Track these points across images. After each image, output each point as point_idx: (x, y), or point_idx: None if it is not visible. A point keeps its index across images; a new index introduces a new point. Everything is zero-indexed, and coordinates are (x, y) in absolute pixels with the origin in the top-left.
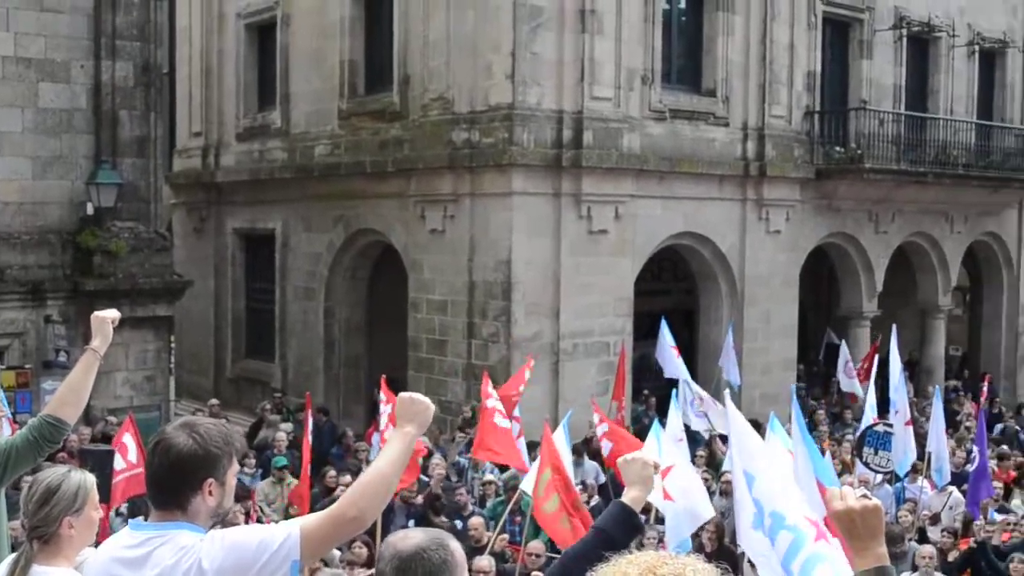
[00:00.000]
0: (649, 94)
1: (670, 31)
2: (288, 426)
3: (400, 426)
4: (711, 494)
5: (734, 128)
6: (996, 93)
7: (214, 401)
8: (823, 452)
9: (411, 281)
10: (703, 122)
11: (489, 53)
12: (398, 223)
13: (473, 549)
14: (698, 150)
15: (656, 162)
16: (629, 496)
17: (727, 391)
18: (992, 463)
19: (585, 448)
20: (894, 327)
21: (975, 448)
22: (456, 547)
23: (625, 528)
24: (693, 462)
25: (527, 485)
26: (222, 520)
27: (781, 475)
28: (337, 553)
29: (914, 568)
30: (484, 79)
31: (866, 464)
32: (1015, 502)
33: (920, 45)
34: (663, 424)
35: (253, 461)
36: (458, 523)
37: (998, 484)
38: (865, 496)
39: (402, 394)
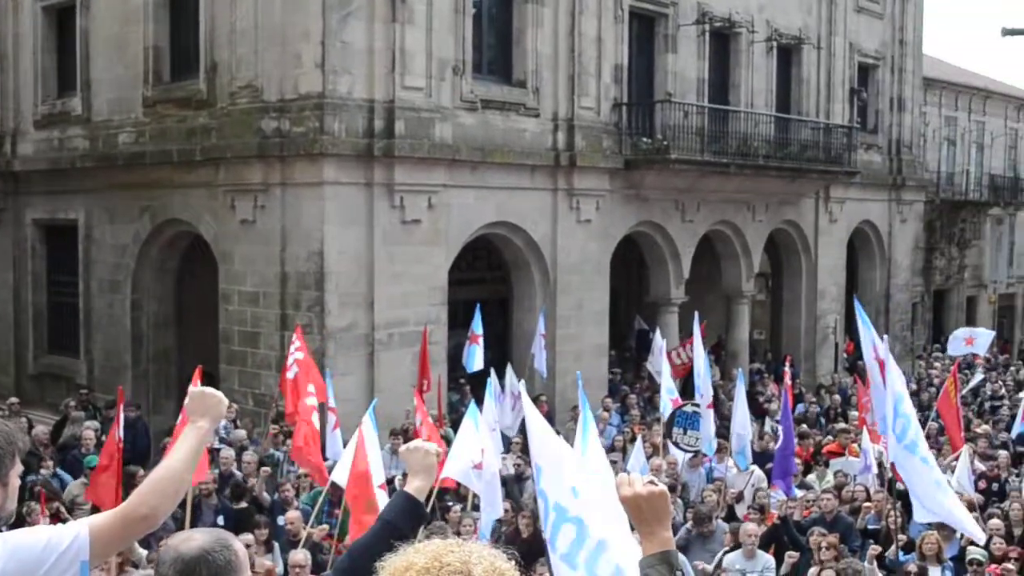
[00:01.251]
0: (460, 84)
1: (480, 22)
2: (95, 423)
3: (192, 421)
4: (526, 480)
5: (544, 119)
6: (793, 87)
7: (14, 399)
8: (634, 436)
9: (221, 272)
10: (514, 112)
11: (298, 41)
12: (207, 213)
13: (291, 543)
14: (509, 140)
15: (468, 152)
16: (413, 486)
17: (521, 383)
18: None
19: (403, 439)
20: (696, 314)
21: (780, 427)
22: (239, 547)
23: (410, 517)
24: (508, 449)
25: (339, 477)
26: (6, 523)
27: (568, 466)
28: (144, 552)
29: (737, 545)
30: (293, 67)
31: (676, 444)
32: (810, 477)
33: (722, 40)
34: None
35: (51, 462)
36: (281, 519)
37: (798, 461)
38: (652, 482)
39: (193, 388)
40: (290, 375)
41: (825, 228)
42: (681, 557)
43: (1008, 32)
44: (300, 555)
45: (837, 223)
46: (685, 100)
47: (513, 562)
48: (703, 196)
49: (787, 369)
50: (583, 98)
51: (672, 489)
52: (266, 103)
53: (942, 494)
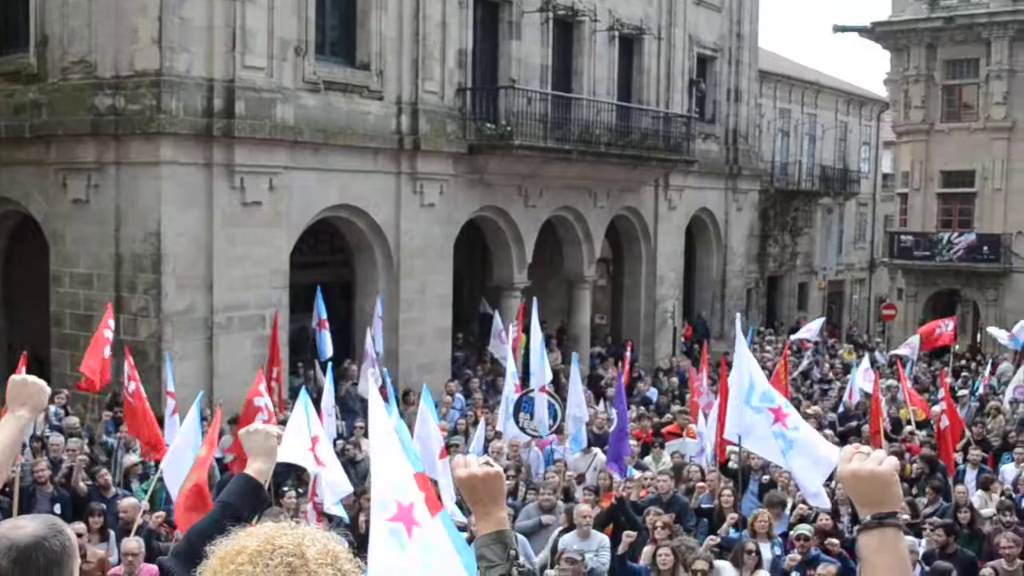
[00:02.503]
0: (303, 65)
1: (324, 2)
2: None
3: (12, 410)
4: (359, 463)
5: (388, 102)
6: (634, 77)
7: None
8: (477, 419)
9: (53, 254)
10: (358, 95)
11: (134, 16)
12: (37, 192)
13: (124, 531)
14: (353, 123)
15: (311, 134)
16: (253, 468)
17: (370, 371)
18: (632, 424)
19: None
20: (535, 299)
21: (615, 410)
22: (71, 533)
23: (250, 500)
24: (352, 433)
25: (169, 466)
26: None
27: (388, 458)
28: None
29: (572, 527)
30: (129, 43)
31: (522, 428)
32: (647, 459)
33: (565, 28)
34: (317, 397)
35: None
36: (101, 505)
37: (635, 443)
38: (488, 463)
39: (14, 376)
40: (106, 354)
41: (664, 215)
42: (521, 538)
43: (839, 29)
44: (133, 543)
45: (676, 210)
46: (529, 87)
47: (347, 544)
48: (546, 182)
49: (627, 354)
50: (427, 82)
51: (517, 471)
52: (100, 79)
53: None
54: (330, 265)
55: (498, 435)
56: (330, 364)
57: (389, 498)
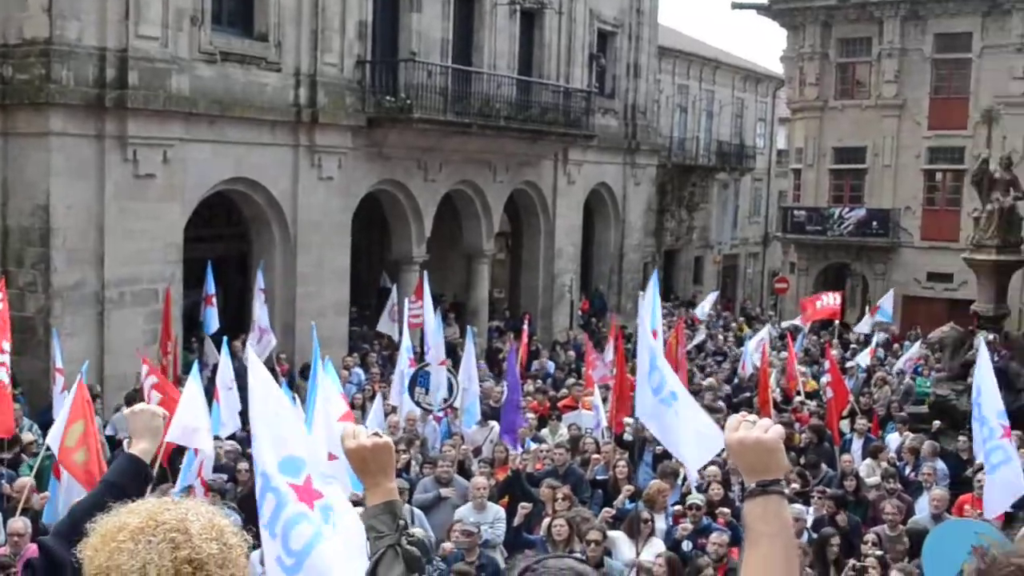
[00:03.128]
0: (199, 35)
1: None
2: None
3: None
4: None
5: (287, 74)
6: (535, 51)
7: None
8: (374, 393)
9: None
10: (255, 67)
11: None
12: None
13: (12, 510)
14: (250, 95)
15: (206, 105)
16: (139, 447)
17: (248, 347)
18: (529, 397)
19: (138, 400)
20: (425, 273)
21: (506, 383)
22: None
23: (135, 479)
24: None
25: (52, 440)
26: None
27: (281, 434)
28: None
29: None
30: (18, 10)
31: (417, 403)
32: (544, 431)
33: (466, 1)
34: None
35: None
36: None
37: (532, 416)
38: (376, 435)
39: None
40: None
41: (563, 190)
42: (417, 512)
43: (737, 6)
44: (19, 523)
45: (575, 185)
46: (429, 60)
47: (235, 517)
48: (445, 156)
49: (525, 327)
50: (326, 54)
51: (409, 445)
52: None
53: (688, 444)
54: (226, 239)
55: (394, 409)
56: (225, 339)
57: (282, 485)
